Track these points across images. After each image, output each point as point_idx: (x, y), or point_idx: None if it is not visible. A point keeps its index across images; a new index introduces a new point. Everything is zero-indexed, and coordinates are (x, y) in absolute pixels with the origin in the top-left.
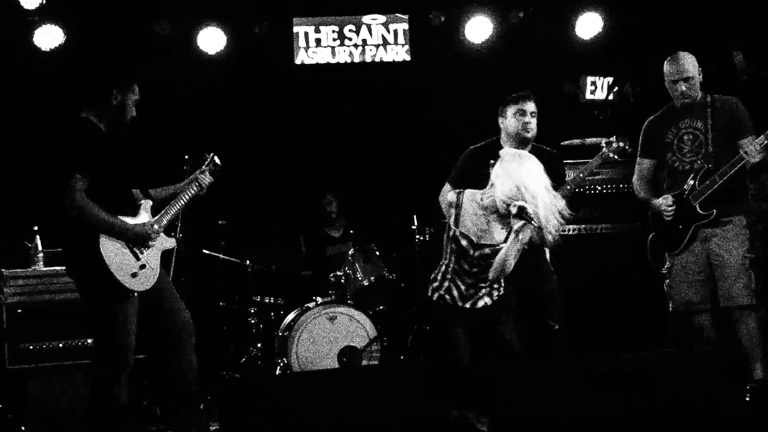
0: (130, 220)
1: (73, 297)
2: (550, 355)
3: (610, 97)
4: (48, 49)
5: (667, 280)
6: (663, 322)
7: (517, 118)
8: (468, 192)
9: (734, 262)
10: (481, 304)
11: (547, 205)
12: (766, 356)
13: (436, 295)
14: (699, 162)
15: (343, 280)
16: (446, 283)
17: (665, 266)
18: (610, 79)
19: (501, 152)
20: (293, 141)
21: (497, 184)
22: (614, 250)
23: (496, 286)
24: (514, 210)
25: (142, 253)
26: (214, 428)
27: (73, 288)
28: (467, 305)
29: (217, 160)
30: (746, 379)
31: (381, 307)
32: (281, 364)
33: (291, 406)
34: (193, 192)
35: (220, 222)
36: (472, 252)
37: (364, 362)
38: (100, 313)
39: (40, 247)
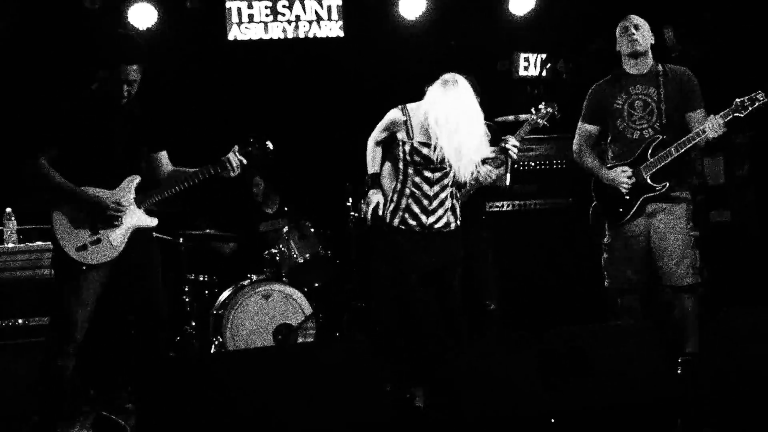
0: (99, 192)
1: (30, 274)
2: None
3: (543, 73)
4: None
5: (605, 255)
6: (598, 298)
7: None
8: (411, 107)
9: (680, 240)
10: (443, 221)
11: (465, 136)
12: (698, 334)
13: (396, 219)
14: (649, 131)
15: (277, 258)
16: (405, 201)
17: (605, 239)
18: (543, 56)
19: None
20: (226, 117)
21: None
22: (548, 226)
23: (458, 210)
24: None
25: (103, 227)
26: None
27: (30, 265)
28: (431, 219)
29: (269, 145)
30: (676, 355)
31: (316, 285)
32: (216, 343)
33: (226, 385)
34: (209, 174)
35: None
36: (434, 155)
37: (300, 340)
38: (54, 283)
39: None
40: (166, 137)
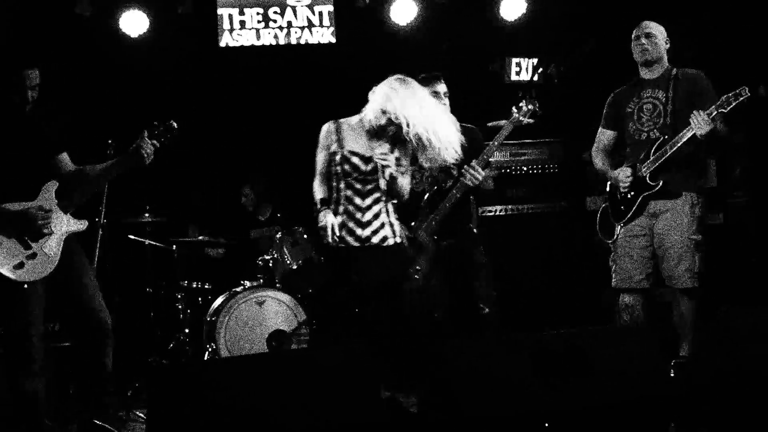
0: (22, 205)
1: None
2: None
3: (535, 78)
4: None
5: (612, 254)
6: (593, 301)
7: None
8: (342, 120)
9: (678, 241)
10: (380, 235)
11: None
12: (692, 337)
13: (336, 238)
14: (655, 132)
15: (270, 264)
16: (340, 218)
17: (614, 237)
18: (535, 61)
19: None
20: (219, 124)
21: (370, 103)
22: (541, 230)
23: (397, 227)
24: (382, 121)
25: (34, 240)
26: (141, 414)
27: None
28: (366, 232)
29: (174, 124)
30: (672, 357)
31: (309, 291)
32: (209, 350)
33: (220, 392)
34: (125, 164)
35: (146, 207)
36: (364, 167)
37: (293, 346)
38: None
39: None
40: (67, 138)
